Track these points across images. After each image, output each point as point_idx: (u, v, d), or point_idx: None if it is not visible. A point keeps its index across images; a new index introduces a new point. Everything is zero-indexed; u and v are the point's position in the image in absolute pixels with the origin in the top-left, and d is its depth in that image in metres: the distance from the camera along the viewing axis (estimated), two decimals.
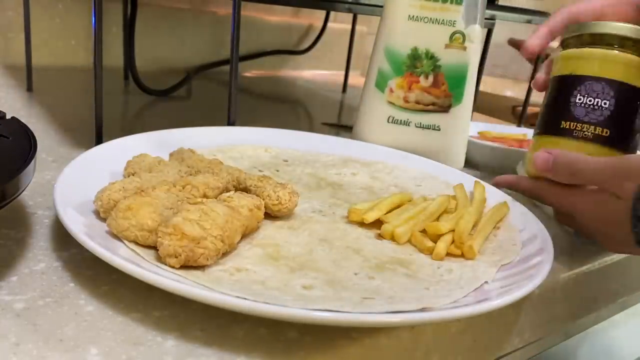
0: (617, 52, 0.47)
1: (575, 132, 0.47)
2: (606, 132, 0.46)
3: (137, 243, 0.34)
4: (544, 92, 0.53)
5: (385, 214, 0.43)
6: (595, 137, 0.47)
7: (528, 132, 0.79)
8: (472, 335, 0.38)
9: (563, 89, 0.48)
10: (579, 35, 0.49)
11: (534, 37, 0.54)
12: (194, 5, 1.05)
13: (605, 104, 0.46)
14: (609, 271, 0.48)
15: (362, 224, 0.43)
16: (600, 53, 0.47)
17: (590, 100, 0.46)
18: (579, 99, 0.47)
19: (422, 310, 0.30)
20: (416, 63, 0.59)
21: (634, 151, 0.48)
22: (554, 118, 0.49)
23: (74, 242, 0.32)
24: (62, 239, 0.37)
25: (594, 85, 0.46)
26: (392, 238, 0.41)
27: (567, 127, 0.47)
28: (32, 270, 0.33)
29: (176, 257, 0.32)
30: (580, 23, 0.49)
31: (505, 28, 0.83)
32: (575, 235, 0.49)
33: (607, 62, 0.47)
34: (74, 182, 0.39)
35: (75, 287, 0.32)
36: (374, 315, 0.29)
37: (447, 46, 0.59)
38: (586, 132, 0.47)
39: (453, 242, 0.40)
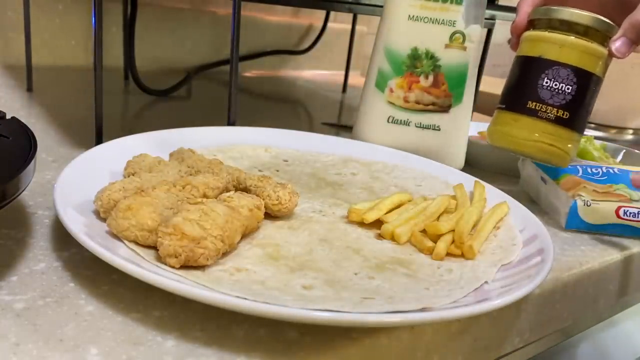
0: (585, 42, 0.50)
1: (540, 113, 0.50)
2: (566, 115, 0.50)
3: (137, 243, 0.34)
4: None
5: (385, 214, 0.43)
6: (557, 119, 0.50)
7: None
8: (472, 335, 0.38)
9: (531, 70, 0.51)
10: (549, 19, 0.51)
11: (520, 15, 0.55)
12: (194, 5, 1.05)
13: (568, 89, 0.50)
14: (609, 271, 0.48)
15: (362, 224, 0.43)
16: (568, 40, 0.50)
17: (555, 85, 0.50)
18: (546, 82, 0.50)
19: (422, 310, 0.30)
20: (416, 63, 0.59)
21: (582, 130, 0.52)
22: (521, 97, 0.52)
23: (74, 242, 0.32)
24: (62, 239, 0.37)
25: (560, 71, 0.50)
26: (392, 238, 0.41)
27: (533, 107, 0.51)
28: (32, 270, 0.33)
29: (176, 257, 0.32)
30: (551, 7, 0.51)
31: (505, 28, 0.83)
32: None
33: (573, 49, 0.50)
34: (74, 182, 0.39)
35: (75, 287, 0.32)
36: (374, 315, 0.29)
37: (447, 46, 0.59)
38: (549, 114, 0.50)
39: (453, 242, 0.40)
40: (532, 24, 0.54)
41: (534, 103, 0.51)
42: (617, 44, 0.49)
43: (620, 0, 0.52)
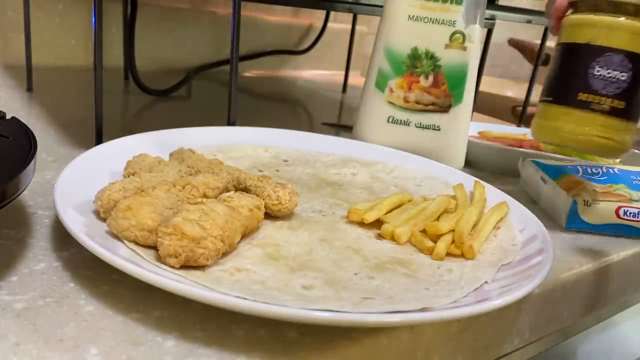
0: (637, 22, 0.46)
1: (593, 105, 0.47)
2: (622, 105, 0.47)
3: (137, 243, 0.34)
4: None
5: (385, 214, 0.43)
6: (612, 110, 0.47)
7: (528, 132, 0.79)
8: (472, 335, 0.38)
9: (580, 58, 0.48)
10: (594, 0, 0.48)
11: (559, 1, 0.51)
12: (194, 5, 1.05)
13: (623, 76, 0.46)
14: (609, 271, 0.48)
15: (362, 224, 0.43)
16: (622, 23, 0.46)
17: (609, 73, 0.46)
18: (598, 71, 0.47)
19: (422, 310, 0.30)
20: (416, 63, 0.59)
21: (638, 120, 0.48)
22: (570, 88, 0.48)
23: (74, 242, 0.32)
24: (62, 239, 0.37)
25: (613, 57, 0.46)
26: (392, 238, 0.41)
27: (585, 99, 0.47)
28: (32, 270, 0.33)
29: (176, 257, 0.32)
30: None
31: (505, 28, 0.83)
32: None
33: (627, 32, 0.46)
34: (74, 182, 0.39)
35: (75, 287, 0.32)
36: (374, 315, 0.29)
37: (447, 46, 0.59)
38: (603, 105, 0.47)
39: (453, 242, 0.40)
40: (573, 6, 0.50)
41: (586, 94, 0.47)
42: None
43: None
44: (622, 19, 0.46)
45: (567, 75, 0.49)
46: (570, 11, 0.50)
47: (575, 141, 0.49)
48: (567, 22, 0.50)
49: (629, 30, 0.46)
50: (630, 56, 0.46)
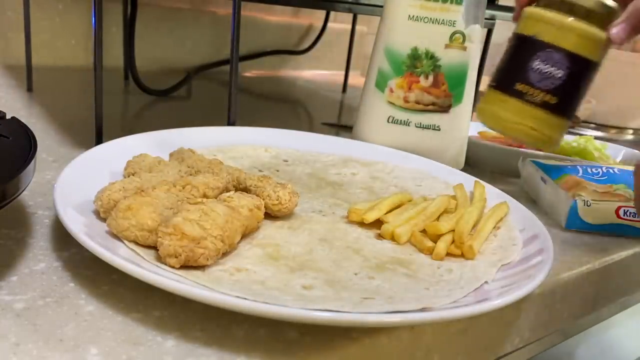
0: (583, 24, 0.47)
1: (527, 96, 0.49)
2: (554, 100, 0.49)
3: (137, 243, 0.34)
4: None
5: (385, 214, 0.43)
6: (543, 103, 0.49)
7: None
8: (472, 335, 0.38)
9: (524, 50, 0.50)
10: None
11: None
12: (194, 5, 1.05)
13: (559, 73, 0.48)
14: (609, 271, 0.48)
15: (362, 224, 0.43)
16: (565, 22, 0.48)
17: (546, 68, 0.48)
18: (537, 65, 0.49)
19: (422, 310, 0.30)
20: (416, 63, 0.59)
21: (572, 117, 0.50)
22: (510, 77, 0.50)
23: (74, 242, 0.32)
24: (62, 239, 0.37)
25: (553, 54, 0.48)
26: (392, 238, 0.41)
27: (521, 89, 0.49)
28: (32, 270, 0.33)
29: (176, 257, 0.32)
30: None
31: (505, 28, 0.83)
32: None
33: (569, 32, 0.48)
34: (74, 182, 0.39)
35: (75, 287, 0.32)
36: (374, 315, 0.29)
37: (447, 46, 0.59)
38: (536, 97, 0.49)
39: (453, 242, 0.40)
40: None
41: (522, 85, 0.49)
42: (615, 30, 0.47)
43: None
44: (570, 19, 0.47)
45: (511, 64, 0.51)
46: (532, 4, 0.51)
47: (509, 129, 0.51)
48: (524, 13, 0.51)
49: (573, 31, 0.48)
50: (569, 55, 0.48)
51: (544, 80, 0.48)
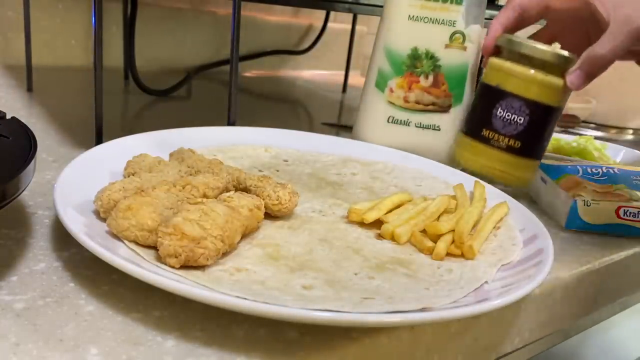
0: (538, 74, 0.51)
1: (492, 142, 0.53)
2: (518, 144, 0.52)
3: (137, 243, 0.34)
4: None
5: (385, 214, 0.43)
6: (509, 148, 0.52)
7: None
8: (472, 335, 0.38)
9: (488, 98, 0.53)
10: (509, 50, 0.53)
11: (489, 38, 0.56)
12: (194, 5, 1.05)
13: (520, 120, 0.51)
14: (609, 271, 0.48)
15: (362, 224, 0.43)
16: (523, 73, 0.51)
17: (508, 115, 0.51)
18: (500, 112, 0.52)
19: (422, 310, 0.30)
20: (416, 63, 0.59)
21: (540, 156, 0.54)
22: (478, 123, 0.54)
23: (74, 242, 0.32)
24: (62, 239, 0.37)
25: (513, 102, 0.51)
26: (392, 238, 0.41)
27: (487, 135, 0.53)
28: (32, 270, 0.33)
29: (176, 257, 0.32)
30: (511, 37, 0.53)
31: None
32: None
33: (528, 82, 0.51)
34: (74, 182, 0.39)
35: (75, 287, 0.32)
36: (374, 315, 0.29)
37: (447, 46, 0.59)
38: (501, 143, 0.53)
39: (453, 242, 0.40)
40: (497, 50, 0.55)
41: (488, 131, 0.53)
42: (572, 77, 0.50)
43: (598, 24, 0.51)
44: (529, 70, 0.51)
45: (477, 111, 0.55)
46: (496, 53, 0.55)
47: (480, 171, 0.54)
48: (489, 63, 0.55)
49: (532, 81, 0.51)
50: (530, 103, 0.51)
51: (507, 126, 0.52)
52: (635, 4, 0.48)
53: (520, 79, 0.51)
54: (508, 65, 0.52)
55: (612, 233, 0.51)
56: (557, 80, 0.51)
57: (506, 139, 0.52)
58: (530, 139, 0.52)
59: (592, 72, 0.50)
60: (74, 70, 0.93)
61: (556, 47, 0.51)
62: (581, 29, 0.55)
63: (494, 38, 0.55)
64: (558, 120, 0.54)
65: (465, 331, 0.38)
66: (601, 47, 0.48)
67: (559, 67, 0.51)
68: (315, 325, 0.31)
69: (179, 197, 0.37)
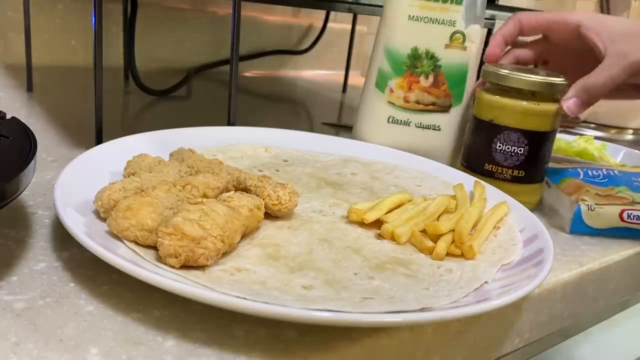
0: (530, 104, 0.51)
1: (497, 175, 0.53)
2: (521, 173, 0.53)
3: (137, 243, 0.34)
4: None
5: (385, 214, 0.43)
6: (514, 178, 0.53)
7: None
8: (472, 335, 0.38)
9: (485, 133, 0.53)
10: (497, 82, 0.53)
11: (492, 47, 0.58)
12: (194, 5, 1.05)
13: (520, 150, 0.52)
14: (609, 271, 0.48)
15: (362, 224, 0.43)
16: (516, 106, 0.51)
17: (508, 148, 0.52)
18: (499, 146, 0.52)
19: (422, 310, 0.30)
20: (416, 63, 0.59)
21: (543, 177, 0.55)
22: (478, 158, 0.54)
23: (74, 242, 0.32)
24: (62, 239, 0.37)
25: (511, 135, 0.52)
26: (392, 238, 0.41)
27: (490, 169, 0.53)
28: (32, 270, 0.33)
29: (176, 257, 0.32)
30: (498, 70, 0.53)
31: None
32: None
33: (522, 114, 0.51)
34: (74, 182, 0.39)
35: (75, 287, 0.32)
36: (374, 315, 0.29)
37: (447, 46, 0.59)
38: (505, 175, 0.53)
39: (453, 242, 0.40)
40: (484, 84, 0.55)
41: (491, 165, 0.53)
42: (569, 104, 0.52)
43: (593, 53, 0.53)
44: (521, 103, 0.51)
45: (476, 146, 0.55)
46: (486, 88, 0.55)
47: None
48: (478, 96, 0.55)
49: (526, 113, 0.51)
50: (526, 134, 0.51)
51: (509, 158, 0.52)
52: (632, 41, 0.50)
53: (514, 112, 0.51)
54: (498, 99, 0.52)
55: (616, 236, 0.51)
56: (550, 107, 0.51)
57: (509, 170, 0.52)
58: (533, 166, 0.52)
59: (588, 101, 0.51)
60: (74, 70, 0.93)
61: (540, 73, 0.52)
62: (574, 52, 0.57)
63: (497, 47, 0.57)
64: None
65: (465, 331, 0.38)
66: (597, 77, 0.51)
67: (549, 94, 0.51)
68: (315, 325, 0.31)
69: (179, 197, 0.37)
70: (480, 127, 0.54)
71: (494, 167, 0.53)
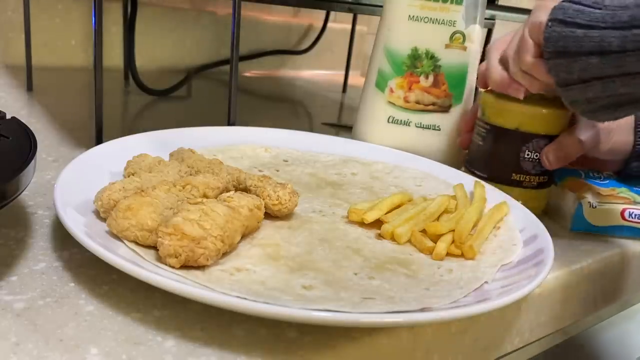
0: (555, 110, 0.50)
1: (525, 184, 0.52)
2: (546, 179, 0.53)
3: (137, 243, 0.34)
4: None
5: (385, 214, 0.43)
6: (539, 185, 0.53)
7: None
8: (472, 335, 0.38)
9: (511, 142, 0.52)
10: None
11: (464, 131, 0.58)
12: (194, 5, 1.05)
13: None
14: (609, 271, 0.48)
15: (362, 224, 0.43)
16: (545, 113, 0.50)
17: (536, 155, 0.51)
18: (527, 154, 0.51)
19: (422, 310, 0.30)
20: (416, 63, 0.59)
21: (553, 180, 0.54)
22: (504, 169, 0.53)
23: (74, 242, 0.32)
24: (62, 239, 0.37)
25: (539, 142, 0.51)
26: (392, 238, 0.41)
27: (517, 179, 0.52)
28: (32, 270, 0.33)
29: (176, 257, 0.32)
30: None
31: (505, 28, 0.83)
32: None
33: (551, 120, 0.51)
34: (74, 182, 0.39)
35: (75, 287, 0.32)
36: (374, 315, 0.29)
37: (447, 46, 0.59)
38: (533, 182, 0.52)
39: (453, 242, 0.40)
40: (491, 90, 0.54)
41: (519, 175, 0.52)
42: (550, 157, 0.51)
43: None
44: (552, 109, 0.50)
45: (500, 156, 0.53)
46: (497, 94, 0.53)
47: None
48: (492, 102, 0.53)
49: (550, 118, 0.51)
50: (552, 138, 0.51)
51: (537, 166, 0.52)
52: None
53: (542, 119, 0.50)
54: (523, 107, 0.50)
55: (617, 235, 0.51)
56: (565, 109, 0.50)
57: (537, 178, 0.52)
58: (554, 171, 0.52)
59: (567, 156, 0.51)
60: (74, 70, 0.93)
61: None
62: None
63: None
64: None
65: (465, 331, 0.38)
66: (579, 133, 0.50)
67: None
68: (315, 325, 0.31)
69: (179, 197, 0.37)
70: (503, 137, 0.52)
71: (522, 176, 0.52)
